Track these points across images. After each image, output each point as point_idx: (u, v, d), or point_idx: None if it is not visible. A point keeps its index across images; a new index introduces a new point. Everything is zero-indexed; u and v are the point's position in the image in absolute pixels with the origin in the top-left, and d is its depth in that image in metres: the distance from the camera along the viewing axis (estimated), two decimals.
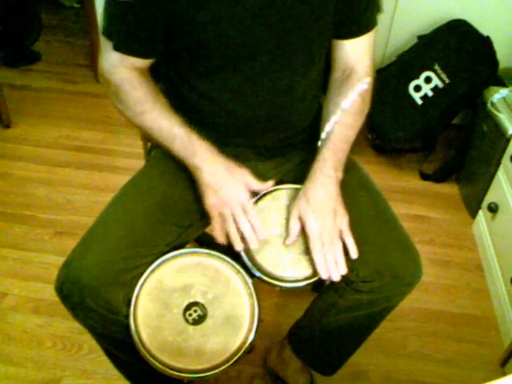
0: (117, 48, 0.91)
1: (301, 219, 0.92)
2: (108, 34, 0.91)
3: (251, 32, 0.88)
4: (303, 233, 0.93)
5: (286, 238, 0.93)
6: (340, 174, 0.95)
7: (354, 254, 0.91)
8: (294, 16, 0.88)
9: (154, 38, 0.91)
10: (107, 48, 0.92)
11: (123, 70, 0.92)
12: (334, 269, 0.89)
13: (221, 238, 0.90)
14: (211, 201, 0.90)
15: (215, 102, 0.96)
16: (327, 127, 0.97)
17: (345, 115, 0.97)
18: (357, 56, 1.00)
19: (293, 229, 0.92)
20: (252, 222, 0.89)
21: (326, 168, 0.93)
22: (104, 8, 0.90)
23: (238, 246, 0.89)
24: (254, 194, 0.97)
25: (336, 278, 0.89)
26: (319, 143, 0.97)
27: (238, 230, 0.89)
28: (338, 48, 1.00)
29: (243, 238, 0.89)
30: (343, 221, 0.92)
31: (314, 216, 0.90)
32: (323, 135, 0.97)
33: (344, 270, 0.90)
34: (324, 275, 0.89)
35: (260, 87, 0.94)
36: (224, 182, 0.90)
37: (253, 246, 0.89)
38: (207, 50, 0.90)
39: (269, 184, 0.96)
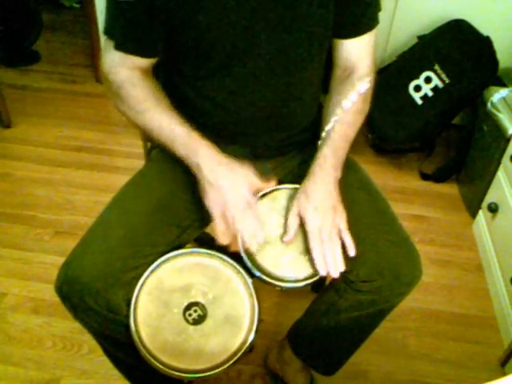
0: (118, 47, 0.91)
1: (300, 216, 0.92)
2: (109, 33, 0.91)
3: (250, 32, 0.88)
4: (303, 232, 0.93)
5: (283, 235, 0.92)
6: (339, 173, 0.95)
7: (352, 251, 0.91)
8: (294, 15, 0.88)
9: (154, 37, 0.91)
10: (109, 47, 0.92)
11: (124, 69, 0.92)
12: (332, 266, 0.89)
13: (222, 239, 0.89)
14: (213, 198, 0.89)
15: (214, 101, 0.96)
16: (327, 126, 0.97)
17: (345, 114, 0.97)
18: (358, 55, 1.00)
19: (291, 225, 0.92)
20: (254, 221, 0.89)
21: (326, 166, 0.93)
22: (106, 7, 0.90)
23: (241, 246, 0.89)
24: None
25: (335, 274, 0.89)
26: (319, 142, 0.97)
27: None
28: (339, 47, 1.00)
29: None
30: (342, 219, 0.92)
31: (314, 213, 0.90)
32: (323, 134, 0.97)
33: (342, 267, 0.89)
34: (323, 272, 0.89)
35: (259, 87, 0.94)
36: (226, 180, 0.88)
37: (253, 247, 0.88)
38: (206, 50, 0.90)
39: (272, 183, 0.96)
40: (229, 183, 0.88)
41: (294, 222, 0.92)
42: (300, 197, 0.93)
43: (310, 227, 0.90)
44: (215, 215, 0.89)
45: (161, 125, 0.91)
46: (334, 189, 0.93)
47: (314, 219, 0.90)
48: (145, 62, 0.94)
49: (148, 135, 0.95)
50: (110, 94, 0.95)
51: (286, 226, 0.94)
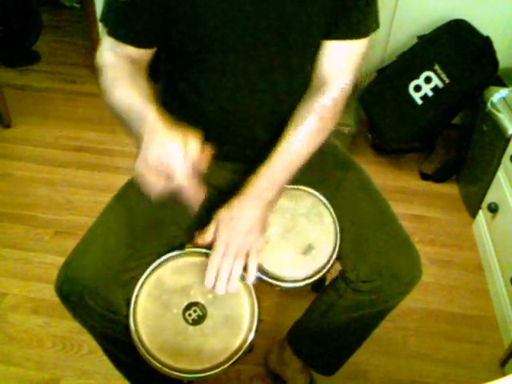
0: (110, 33, 0.89)
1: (218, 222, 0.88)
2: (104, 19, 0.91)
3: (249, 32, 0.88)
4: (303, 232, 0.93)
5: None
6: (274, 194, 0.90)
7: (250, 279, 0.87)
8: (293, 13, 0.88)
9: (149, 28, 0.89)
10: (103, 35, 0.91)
11: (112, 54, 0.90)
12: (222, 282, 0.85)
13: (153, 188, 0.73)
14: (137, 163, 0.73)
15: (213, 101, 0.96)
16: (280, 142, 0.92)
17: (300, 133, 0.92)
18: (333, 65, 0.94)
19: (211, 228, 0.88)
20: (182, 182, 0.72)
21: (257, 188, 0.89)
22: None
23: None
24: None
25: (220, 290, 0.85)
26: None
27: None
28: (321, 50, 0.95)
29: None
30: (256, 242, 0.88)
31: (227, 227, 0.87)
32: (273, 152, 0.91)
33: (233, 289, 0.86)
34: (208, 284, 0.85)
35: (258, 86, 0.94)
36: (154, 140, 0.72)
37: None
38: (204, 50, 0.90)
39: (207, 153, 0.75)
40: (157, 143, 0.72)
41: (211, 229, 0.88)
42: (224, 209, 0.89)
43: (218, 240, 0.86)
44: (139, 170, 0.73)
45: (125, 101, 0.81)
46: (258, 213, 0.89)
47: (225, 233, 0.87)
48: (137, 53, 0.91)
49: (117, 117, 0.85)
50: (98, 79, 0.91)
51: (286, 227, 0.93)
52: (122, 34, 0.89)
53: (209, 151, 0.75)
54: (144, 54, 0.93)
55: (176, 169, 0.71)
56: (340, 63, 0.94)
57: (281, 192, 0.92)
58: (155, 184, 0.72)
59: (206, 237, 0.88)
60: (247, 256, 0.87)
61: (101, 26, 0.93)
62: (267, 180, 0.90)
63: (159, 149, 0.71)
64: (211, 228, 0.88)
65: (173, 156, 0.71)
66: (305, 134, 0.92)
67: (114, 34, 0.89)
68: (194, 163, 0.72)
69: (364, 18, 0.92)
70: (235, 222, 0.87)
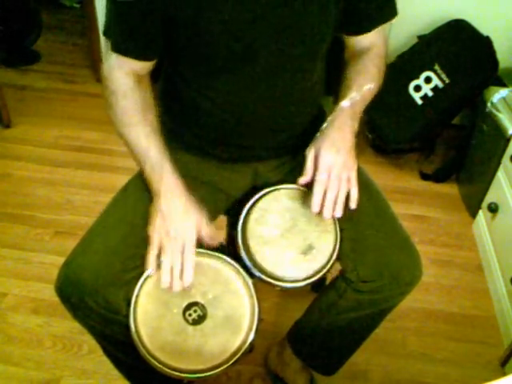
0: (114, 48, 0.90)
1: (316, 154, 0.91)
2: (107, 34, 0.91)
3: (252, 35, 0.88)
4: (303, 231, 0.93)
5: (301, 177, 0.92)
6: (356, 125, 0.95)
7: (354, 204, 0.91)
8: (295, 18, 0.88)
9: (152, 40, 0.90)
10: (107, 50, 0.92)
11: (120, 74, 0.91)
12: (329, 206, 0.88)
13: (148, 265, 0.87)
14: (156, 226, 0.87)
15: (214, 102, 0.96)
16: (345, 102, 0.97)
17: (365, 80, 1.00)
18: (370, 42, 1.01)
19: (308, 167, 0.91)
20: (186, 265, 0.86)
21: (343, 115, 0.94)
22: (106, 8, 0.90)
23: (164, 281, 0.86)
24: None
25: (328, 215, 0.88)
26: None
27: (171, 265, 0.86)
28: (349, 41, 1.02)
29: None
30: (354, 168, 0.92)
31: (329, 148, 0.90)
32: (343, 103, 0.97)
33: (339, 213, 0.89)
34: (315, 208, 0.88)
35: (260, 89, 0.94)
36: (176, 213, 0.88)
37: (175, 288, 0.86)
38: (207, 52, 0.90)
39: (215, 242, 0.91)
40: (177, 218, 0.87)
41: (310, 163, 0.91)
42: (318, 138, 0.93)
43: (322, 161, 0.89)
44: (152, 242, 0.87)
45: (138, 143, 0.91)
46: (350, 136, 0.93)
47: (328, 155, 0.89)
48: (141, 66, 0.93)
49: (126, 148, 0.95)
50: (104, 97, 0.95)
51: (287, 228, 0.94)
52: (126, 49, 0.90)
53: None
54: (147, 66, 0.95)
55: (188, 247, 0.86)
56: (375, 38, 1.02)
57: (358, 124, 0.97)
58: (164, 254, 0.86)
59: (308, 172, 0.91)
60: (348, 181, 0.91)
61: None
62: (349, 113, 0.95)
63: (182, 224, 0.87)
64: (309, 163, 0.91)
65: (191, 234, 0.87)
66: (368, 79, 1.00)
67: (118, 48, 0.90)
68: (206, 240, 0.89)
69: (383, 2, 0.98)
70: (336, 143, 0.91)
